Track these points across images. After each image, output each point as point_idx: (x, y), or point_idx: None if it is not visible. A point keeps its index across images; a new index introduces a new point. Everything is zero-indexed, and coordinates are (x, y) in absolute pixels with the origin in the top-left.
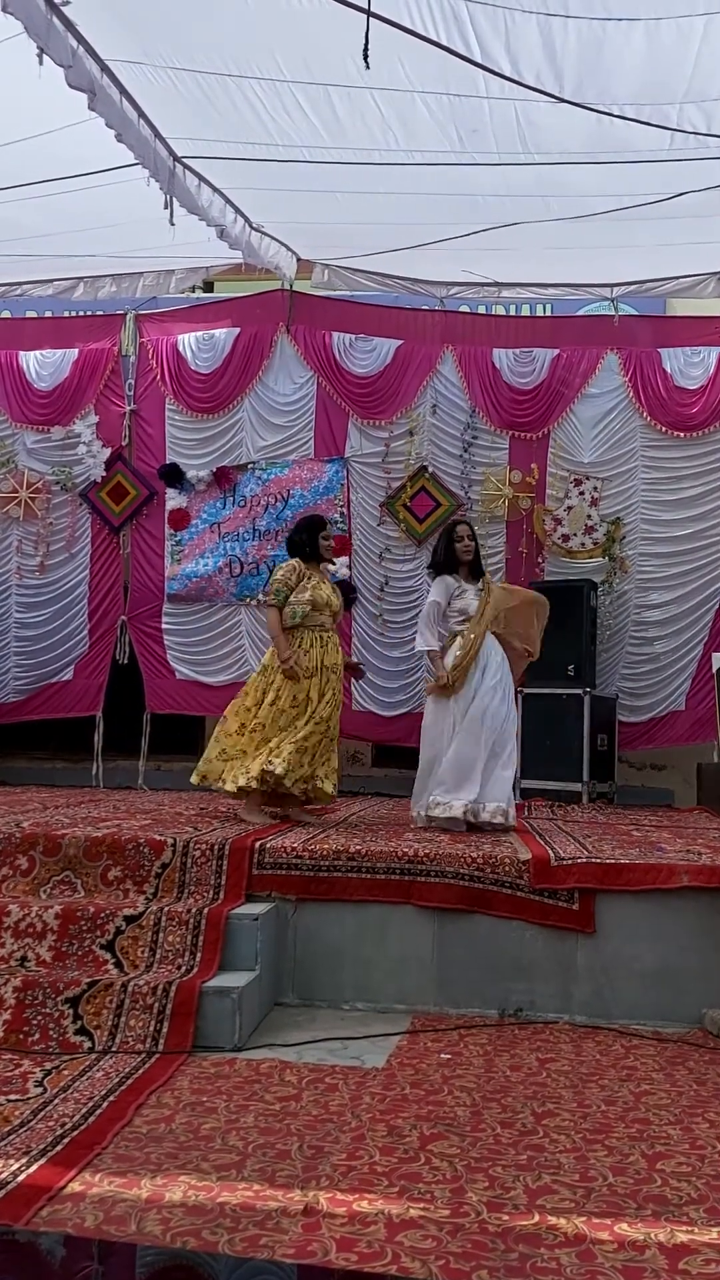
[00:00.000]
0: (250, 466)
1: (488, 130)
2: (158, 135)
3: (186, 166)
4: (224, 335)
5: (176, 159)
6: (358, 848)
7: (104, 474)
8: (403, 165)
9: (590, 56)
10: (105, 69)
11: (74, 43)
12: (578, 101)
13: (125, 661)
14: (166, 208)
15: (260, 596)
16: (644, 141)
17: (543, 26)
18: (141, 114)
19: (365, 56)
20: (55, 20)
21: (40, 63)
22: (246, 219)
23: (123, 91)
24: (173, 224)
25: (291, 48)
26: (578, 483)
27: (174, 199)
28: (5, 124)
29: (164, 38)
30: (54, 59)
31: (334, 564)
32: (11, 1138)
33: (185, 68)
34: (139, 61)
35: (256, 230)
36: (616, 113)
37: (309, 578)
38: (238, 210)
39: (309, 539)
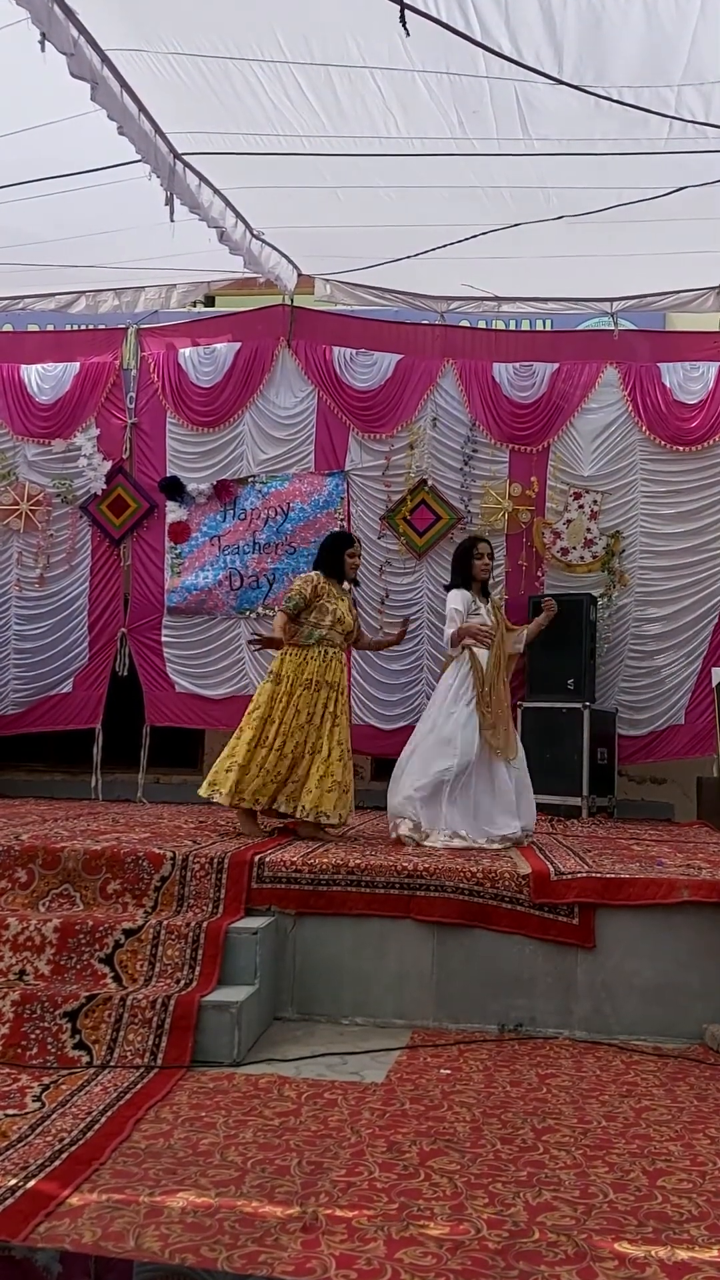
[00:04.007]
0: (250, 480)
1: (488, 112)
2: (158, 131)
3: (187, 165)
4: (225, 349)
5: (177, 156)
6: (357, 862)
7: (104, 487)
8: (403, 155)
9: (589, 34)
10: (106, 60)
11: (75, 31)
12: (576, 84)
13: (125, 674)
14: (167, 204)
15: (261, 609)
16: (643, 130)
17: (543, 1)
18: (142, 108)
19: (402, 21)
20: (56, 8)
21: (43, 49)
22: (247, 225)
23: (123, 84)
24: (172, 220)
25: (292, 25)
26: (577, 496)
27: (174, 197)
28: (4, 123)
29: (163, 19)
30: (56, 46)
31: (356, 583)
32: (9, 1153)
33: (185, 51)
34: (139, 49)
35: (257, 238)
36: (615, 96)
37: (328, 593)
38: (238, 214)
39: (332, 555)
